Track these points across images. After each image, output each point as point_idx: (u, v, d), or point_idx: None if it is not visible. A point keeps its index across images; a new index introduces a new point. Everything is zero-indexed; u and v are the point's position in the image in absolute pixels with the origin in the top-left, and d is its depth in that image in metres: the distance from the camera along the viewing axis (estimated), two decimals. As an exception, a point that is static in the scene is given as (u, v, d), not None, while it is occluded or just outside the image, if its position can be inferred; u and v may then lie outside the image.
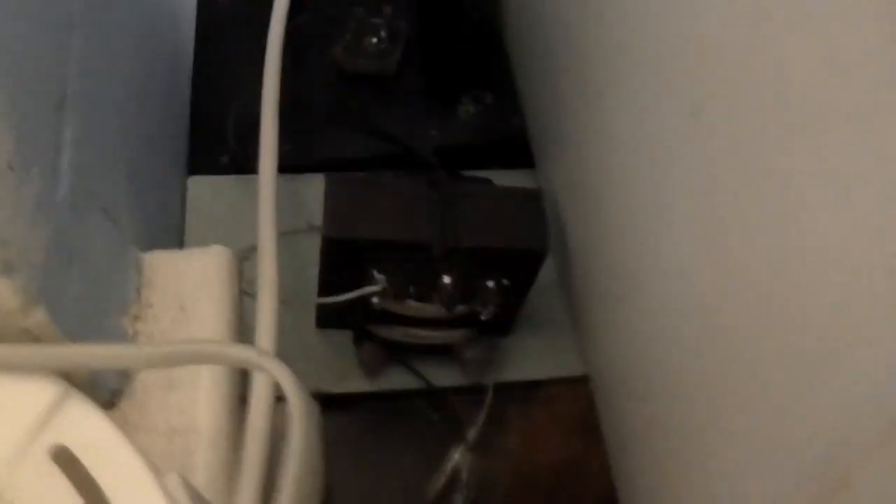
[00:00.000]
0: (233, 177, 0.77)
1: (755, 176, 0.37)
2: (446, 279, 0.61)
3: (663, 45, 0.44)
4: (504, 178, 0.69)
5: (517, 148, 0.81)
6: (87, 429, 0.38)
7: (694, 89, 0.41)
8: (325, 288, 0.64)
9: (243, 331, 0.56)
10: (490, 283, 0.62)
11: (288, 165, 0.70)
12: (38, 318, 0.41)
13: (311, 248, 0.63)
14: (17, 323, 0.40)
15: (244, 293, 0.57)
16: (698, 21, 0.40)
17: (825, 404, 0.34)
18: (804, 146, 0.33)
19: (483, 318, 0.64)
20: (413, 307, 0.63)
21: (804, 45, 0.32)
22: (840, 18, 0.30)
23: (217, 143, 0.78)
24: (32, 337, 0.41)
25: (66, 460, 0.37)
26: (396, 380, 0.70)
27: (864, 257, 0.30)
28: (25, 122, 0.40)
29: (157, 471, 0.39)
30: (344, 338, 0.70)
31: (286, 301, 0.58)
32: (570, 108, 0.64)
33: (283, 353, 0.56)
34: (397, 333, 0.66)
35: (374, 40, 0.82)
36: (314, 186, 0.71)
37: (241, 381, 0.52)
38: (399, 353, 0.69)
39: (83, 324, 0.45)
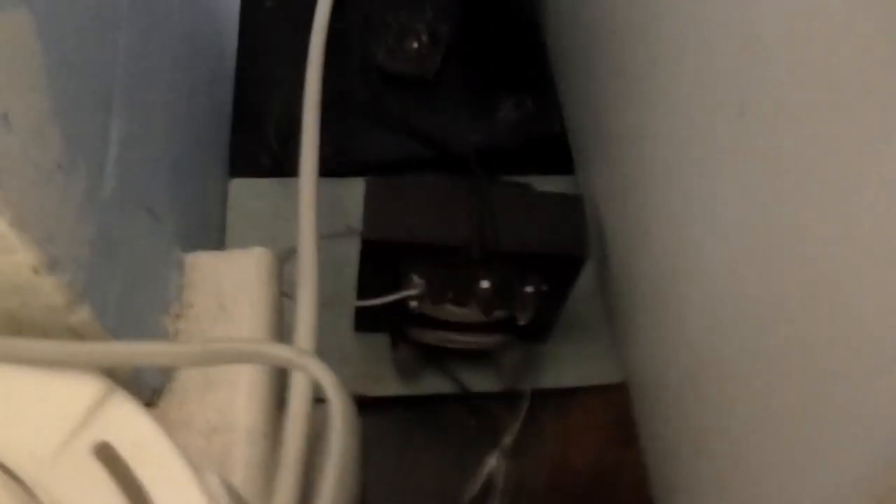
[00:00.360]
0: (274, 179, 0.77)
1: (805, 178, 0.36)
2: (484, 283, 0.60)
3: (708, 43, 0.44)
4: (543, 184, 0.69)
5: (557, 153, 0.80)
6: (129, 426, 0.39)
7: (741, 89, 0.41)
8: (364, 291, 0.64)
9: (283, 332, 0.56)
10: (528, 289, 0.61)
11: (329, 168, 0.71)
12: (82, 315, 0.41)
13: (351, 252, 0.63)
14: (61, 320, 0.41)
15: (284, 295, 0.57)
16: (744, 18, 0.40)
17: (879, 414, 0.33)
18: (857, 147, 0.32)
19: (521, 323, 0.63)
20: (451, 311, 0.62)
21: (858, 41, 0.31)
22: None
23: (259, 145, 0.78)
24: (77, 334, 0.42)
25: (108, 457, 0.38)
26: (433, 384, 0.70)
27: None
28: (74, 121, 0.41)
29: (196, 469, 0.39)
30: (381, 341, 0.70)
31: (325, 304, 0.58)
32: (613, 111, 0.64)
33: (321, 355, 0.56)
34: (434, 337, 0.66)
35: (415, 44, 0.82)
36: (354, 190, 0.71)
37: (281, 382, 0.52)
38: (436, 358, 0.69)
39: (126, 321, 0.45)
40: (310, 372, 0.36)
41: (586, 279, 0.66)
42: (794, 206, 0.38)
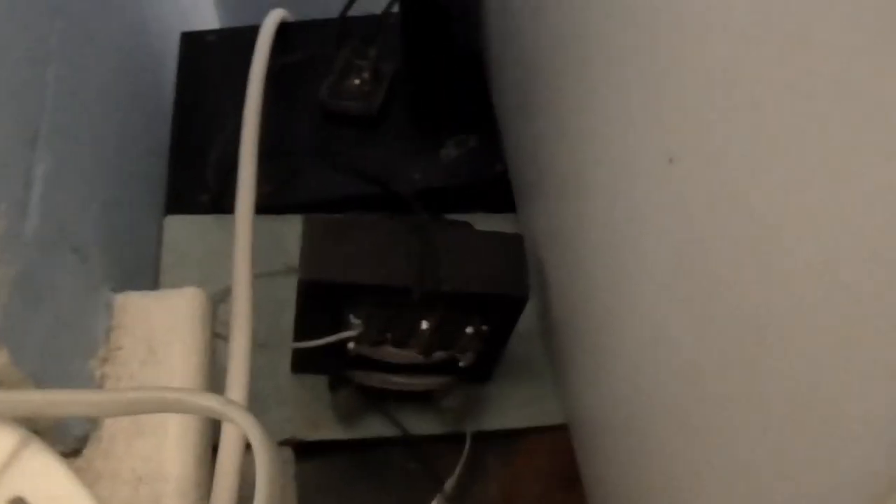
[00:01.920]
0: (211, 216, 0.76)
1: (734, 224, 0.36)
2: (424, 324, 0.60)
3: (640, 89, 0.44)
4: (485, 223, 0.69)
5: (499, 192, 0.80)
6: (46, 479, 0.37)
7: (671, 135, 0.41)
8: (301, 331, 0.63)
9: (217, 374, 0.54)
10: (469, 329, 0.61)
11: (268, 205, 0.70)
12: (0, 361, 0.39)
13: (290, 290, 0.62)
14: (-24, 366, 0.39)
15: (219, 336, 0.55)
16: (674, 66, 0.40)
17: (808, 461, 0.33)
18: (784, 193, 0.32)
19: (462, 364, 0.62)
20: (390, 353, 0.61)
21: (783, 90, 0.32)
22: (819, 65, 0.30)
23: (197, 182, 0.77)
24: (-8, 381, 0.40)
25: (22, 512, 0.36)
26: (373, 427, 0.69)
27: (852, 311, 0.30)
28: (-6, 158, 0.39)
29: (118, 523, 0.38)
30: (320, 383, 0.69)
31: (262, 345, 0.57)
32: (551, 152, 0.64)
33: (257, 398, 0.55)
34: (374, 379, 0.65)
35: (358, 81, 0.82)
36: (294, 227, 0.69)
37: (213, 428, 0.51)
38: (376, 400, 0.68)
39: (48, 366, 0.44)
40: (234, 422, 0.34)
41: (528, 319, 0.66)
42: (721, 251, 0.38)
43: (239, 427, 0.35)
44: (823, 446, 0.32)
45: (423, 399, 0.68)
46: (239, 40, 0.81)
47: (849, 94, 0.28)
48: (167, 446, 0.47)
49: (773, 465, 0.36)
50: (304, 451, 0.67)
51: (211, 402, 0.36)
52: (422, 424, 0.69)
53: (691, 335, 0.42)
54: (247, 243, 0.57)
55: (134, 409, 0.38)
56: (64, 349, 0.47)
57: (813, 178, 0.31)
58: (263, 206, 0.66)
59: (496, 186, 0.80)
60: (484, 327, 0.61)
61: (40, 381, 0.42)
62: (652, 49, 0.42)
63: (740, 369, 0.37)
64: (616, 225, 0.51)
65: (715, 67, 0.36)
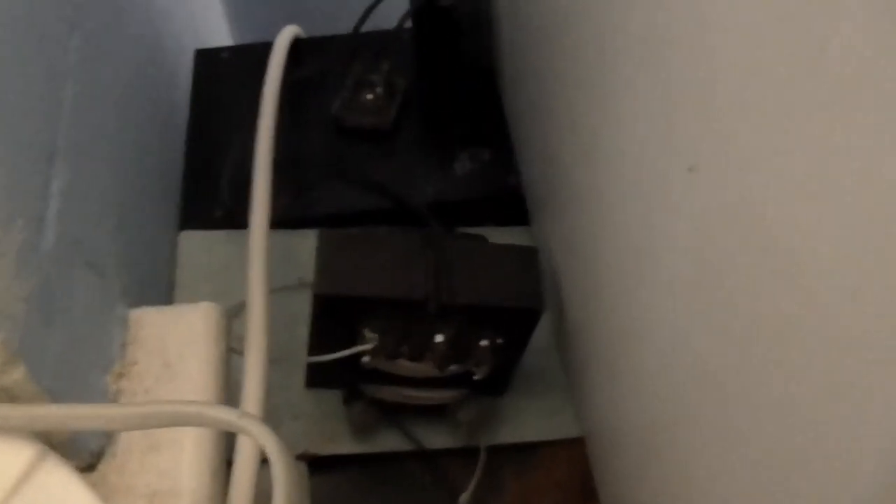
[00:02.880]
0: (226, 231, 0.76)
1: (756, 234, 0.36)
2: (439, 338, 0.59)
3: (660, 98, 0.44)
4: (500, 236, 0.69)
5: (513, 205, 0.80)
6: (62, 494, 0.37)
7: (692, 143, 0.40)
8: (316, 346, 0.63)
9: (231, 389, 0.54)
10: (484, 342, 0.60)
11: (282, 220, 0.70)
12: (16, 375, 0.39)
13: (304, 305, 0.62)
14: (-7, 380, 0.39)
15: (233, 350, 0.55)
16: (696, 73, 0.40)
17: (830, 472, 0.33)
18: (809, 202, 0.32)
19: (476, 377, 0.62)
20: (405, 367, 0.61)
21: (808, 99, 0.32)
22: (843, 71, 0.29)
23: (211, 197, 0.77)
24: (10, 395, 0.40)
25: (38, 526, 0.36)
26: (388, 441, 0.68)
27: (873, 323, 0.29)
28: (12, 173, 0.40)
29: (134, 538, 0.38)
30: (334, 397, 0.69)
31: (276, 359, 0.57)
32: (567, 164, 0.64)
33: (271, 412, 0.55)
34: (389, 393, 0.65)
35: (371, 96, 0.82)
36: (308, 241, 0.70)
37: (228, 442, 0.51)
38: (391, 414, 0.68)
39: (64, 381, 0.44)
40: (251, 435, 0.34)
41: (543, 332, 0.66)
42: (745, 262, 0.37)
43: (256, 440, 0.35)
44: (848, 457, 0.32)
45: (437, 412, 0.67)
46: (252, 57, 0.82)
47: (877, 103, 0.28)
48: (182, 461, 0.47)
49: (797, 476, 0.35)
50: (318, 465, 0.67)
51: (229, 416, 0.36)
52: (436, 438, 0.69)
53: (712, 346, 0.42)
54: (261, 258, 0.58)
55: (152, 423, 0.38)
56: (80, 364, 0.47)
57: (839, 188, 0.30)
58: (277, 221, 0.66)
59: (510, 199, 0.80)
60: (499, 340, 0.61)
61: (56, 396, 0.42)
62: (672, 57, 0.42)
63: (762, 380, 0.37)
64: (634, 236, 0.50)
65: (736, 75, 0.36)
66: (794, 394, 0.35)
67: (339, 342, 0.60)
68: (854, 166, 0.29)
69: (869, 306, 0.29)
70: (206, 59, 0.88)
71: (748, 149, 0.36)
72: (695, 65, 0.40)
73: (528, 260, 0.62)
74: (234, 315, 0.56)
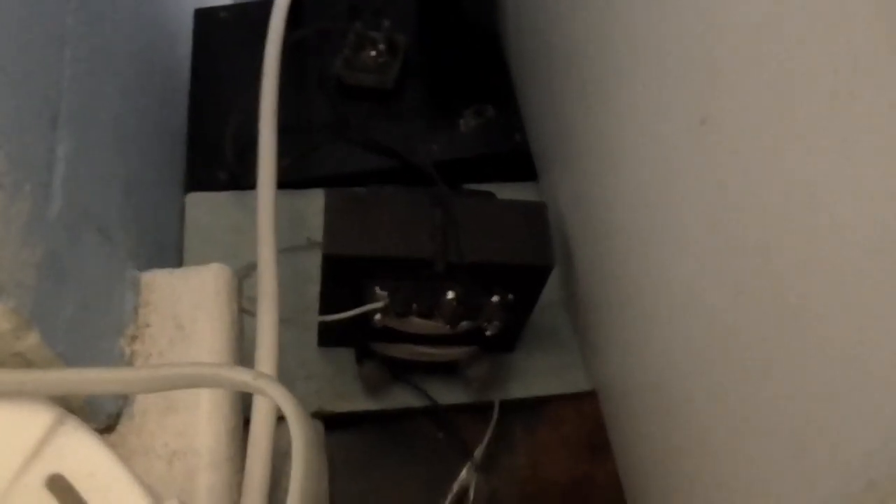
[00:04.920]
0: (231, 193, 0.76)
1: (768, 185, 0.36)
2: (449, 295, 0.59)
3: (670, 49, 0.43)
4: (507, 192, 0.68)
5: (520, 161, 0.80)
6: (82, 456, 0.37)
7: (704, 95, 0.40)
8: (327, 305, 0.63)
9: (244, 349, 0.54)
10: (494, 299, 0.60)
11: (287, 181, 0.69)
12: (30, 341, 0.39)
13: (312, 265, 0.62)
14: (9, 347, 0.39)
15: (244, 311, 0.56)
16: (706, 26, 0.39)
17: (844, 422, 0.33)
18: (821, 154, 0.32)
19: (488, 334, 0.62)
20: (416, 324, 0.61)
21: (819, 48, 0.31)
22: (849, 24, 0.29)
23: (215, 159, 0.77)
24: (25, 361, 0.40)
25: (61, 489, 0.36)
26: (400, 398, 0.69)
27: (887, 266, 0.29)
28: (17, 139, 0.39)
29: (156, 496, 0.38)
30: (346, 355, 0.69)
31: (287, 319, 0.57)
32: (574, 119, 0.63)
33: (284, 372, 0.55)
34: (400, 351, 0.65)
35: (373, 53, 0.81)
36: (314, 201, 0.69)
37: (244, 401, 0.51)
38: (402, 371, 0.68)
39: (78, 346, 0.44)
40: (267, 395, 0.35)
41: (552, 287, 0.66)
42: (757, 213, 0.37)
43: (273, 400, 0.35)
44: (865, 406, 0.32)
45: (448, 370, 0.68)
46: (251, 15, 0.81)
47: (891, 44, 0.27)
48: (199, 421, 0.48)
49: (810, 425, 0.35)
50: (331, 423, 0.68)
51: (245, 377, 0.36)
52: (449, 394, 0.69)
53: (725, 299, 0.41)
54: (270, 218, 0.57)
55: (169, 385, 0.38)
56: (93, 328, 0.47)
57: (852, 139, 0.30)
58: (281, 182, 0.66)
59: (516, 155, 0.80)
60: (509, 296, 0.61)
61: (71, 360, 0.42)
62: (683, 6, 0.41)
63: (776, 332, 0.37)
64: (645, 189, 0.50)
65: (748, 25, 0.36)
66: (812, 344, 0.35)
67: (350, 301, 0.60)
68: (873, 120, 0.29)
69: (891, 256, 0.29)
70: (206, 19, 0.87)
71: (762, 99, 0.35)
72: (708, 13, 0.39)
73: (537, 215, 0.62)
74: (243, 276, 0.56)
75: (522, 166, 0.80)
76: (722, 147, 0.39)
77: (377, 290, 0.59)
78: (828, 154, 0.31)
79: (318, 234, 0.59)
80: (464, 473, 0.67)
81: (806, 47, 0.32)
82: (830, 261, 0.32)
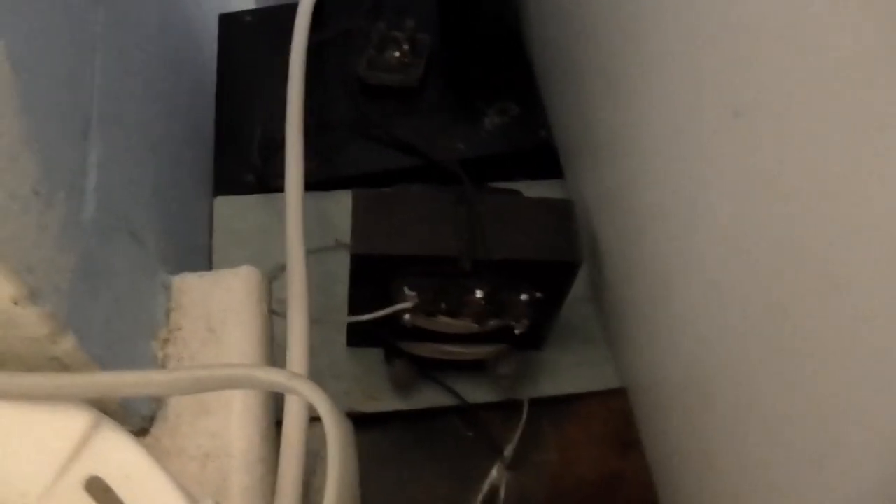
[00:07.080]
0: (259, 196, 0.76)
1: (803, 180, 0.35)
2: (477, 293, 0.59)
3: (700, 42, 0.43)
4: (533, 189, 0.68)
5: (546, 158, 0.79)
6: (119, 458, 0.38)
7: (738, 87, 0.39)
8: (355, 306, 0.63)
9: (274, 351, 0.55)
10: (522, 297, 0.60)
11: (314, 182, 0.70)
12: (66, 345, 0.40)
13: (340, 266, 0.62)
14: (45, 351, 0.39)
15: (274, 313, 0.56)
16: (737, 16, 0.39)
17: (885, 415, 0.32)
18: (857, 146, 0.31)
19: (516, 332, 0.62)
20: (444, 323, 0.61)
21: (854, 38, 0.31)
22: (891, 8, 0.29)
23: (242, 162, 0.77)
24: (62, 365, 0.41)
25: (100, 491, 0.37)
26: (429, 397, 0.69)
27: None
28: (51, 146, 0.40)
29: (191, 498, 0.38)
30: (375, 355, 0.69)
31: (316, 319, 0.57)
32: (600, 114, 0.63)
33: (314, 372, 0.56)
34: (429, 350, 0.65)
35: (397, 53, 0.82)
36: (341, 203, 0.70)
37: (276, 402, 0.51)
38: (431, 371, 0.68)
39: (112, 349, 0.44)
40: (302, 395, 0.35)
41: (580, 284, 0.66)
42: (793, 209, 0.37)
43: (307, 400, 0.35)
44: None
45: (477, 368, 0.68)
46: (276, 19, 0.81)
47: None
48: (232, 422, 0.48)
49: (848, 415, 0.35)
50: (361, 422, 0.68)
51: (279, 377, 0.36)
52: (478, 393, 0.69)
53: (760, 293, 0.41)
54: (298, 219, 0.58)
55: (203, 387, 0.38)
56: (126, 332, 0.48)
57: (893, 129, 0.30)
58: (308, 183, 0.66)
59: (541, 153, 0.80)
60: (537, 294, 0.61)
61: (106, 363, 0.43)
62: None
63: (810, 324, 0.37)
64: (675, 183, 0.50)
65: (782, 15, 0.35)
66: (847, 334, 0.34)
67: (378, 301, 0.60)
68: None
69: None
70: (231, 23, 0.88)
71: (797, 91, 0.35)
72: (736, 6, 0.39)
73: (564, 212, 0.61)
74: (273, 278, 0.56)
75: (548, 163, 0.79)
76: (756, 140, 0.39)
77: (406, 289, 0.59)
78: (867, 146, 0.31)
79: (345, 236, 0.59)
80: (494, 472, 0.67)
81: (843, 35, 0.31)
82: (874, 257, 0.32)
